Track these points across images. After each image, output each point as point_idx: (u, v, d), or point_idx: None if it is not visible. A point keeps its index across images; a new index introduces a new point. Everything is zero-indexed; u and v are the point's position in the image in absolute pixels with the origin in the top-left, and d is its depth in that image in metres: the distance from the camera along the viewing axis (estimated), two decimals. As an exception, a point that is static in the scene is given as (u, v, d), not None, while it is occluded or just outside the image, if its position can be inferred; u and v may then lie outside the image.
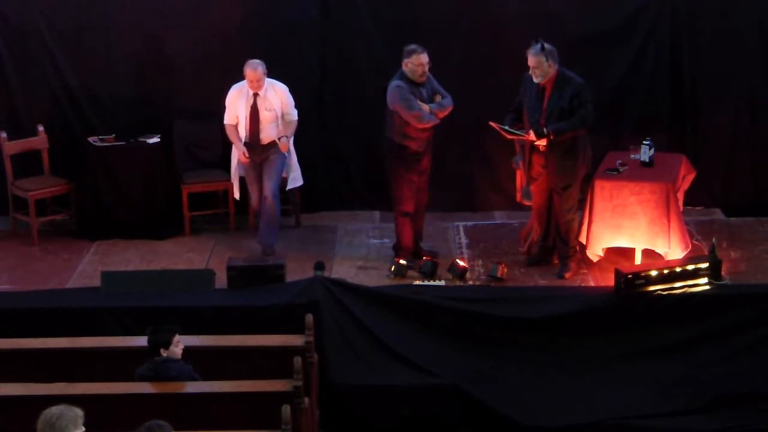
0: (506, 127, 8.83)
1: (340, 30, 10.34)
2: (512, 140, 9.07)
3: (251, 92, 9.25)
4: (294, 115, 9.39)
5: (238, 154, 9.32)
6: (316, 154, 10.53)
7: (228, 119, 9.40)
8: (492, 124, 8.87)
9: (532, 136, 8.73)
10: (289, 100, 9.36)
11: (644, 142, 9.24)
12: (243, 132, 9.31)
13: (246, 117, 9.27)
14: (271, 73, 10.34)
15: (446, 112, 9.02)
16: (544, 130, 8.66)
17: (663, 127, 10.33)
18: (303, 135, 10.45)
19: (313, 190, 10.44)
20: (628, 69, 10.31)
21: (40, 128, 10.21)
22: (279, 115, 9.31)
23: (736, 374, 8.46)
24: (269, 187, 9.21)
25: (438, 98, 9.01)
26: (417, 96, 8.91)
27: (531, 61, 8.64)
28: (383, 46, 10.17)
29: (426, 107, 8.88)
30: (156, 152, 10.16)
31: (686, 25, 10.22)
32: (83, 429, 5.75)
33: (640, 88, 10.34)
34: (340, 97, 10.44)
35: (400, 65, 8.94)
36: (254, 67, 9.20)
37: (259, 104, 9.24)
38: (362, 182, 10.64)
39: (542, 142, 8.74)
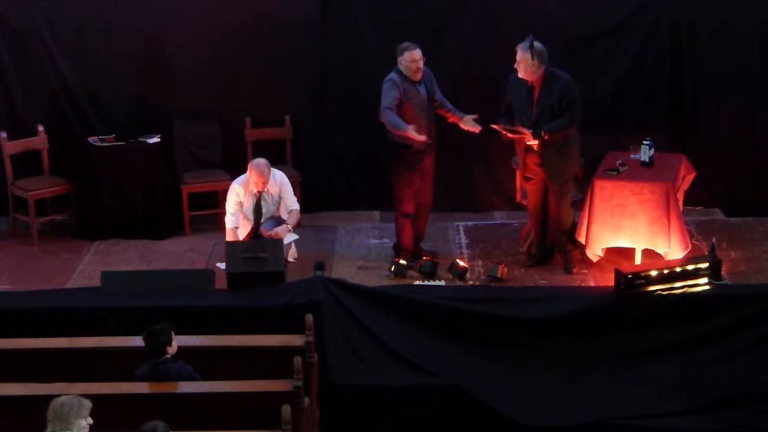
0: (509, 127, 8.84)
1: (340, 30, 10.34)
2: (512, 140, 9.07)
3: (256, 189, 8.98)
4: (294, 203, 9.10)
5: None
6: (316, 154, 10.54)
7: (232, 222, 8.97)
8: (494, 126, 8.89)
9: (528, 136, 8.75)
10: (287, 188, 9.08)
11: (644, 142, 9.23)
12: (243, 229, 9.04)
13: (252, 210, 9.03)
14: (272, 73, 10.36)
15: (402, 133, 8.82)
16: (541, 132, 8.69)
17: (663, 127, 10.33)
18: (303, 135, 10.49)
19: (313, 190, 10.44)
20: (628, 69, 10.31)
21: (40, 128, 10.21)
22: (279, 202, 9.08)
23: (736, 374, 8.46)
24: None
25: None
26: (413, 93, 8.91)
27: (517, 54, 8.72)
28: (383, 46, 10.15)
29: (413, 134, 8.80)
30: (156, 152, 10.16)
31: (686, 25, 10.21)
32: (89, 420, 5.83)
33: (640, 88, 10.35)
34: (340, 97, 10.44)
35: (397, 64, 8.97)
36: (261, 170, 8.83)
37: (262, 199, 9.04)
38: (362, 182, 10.64)
39: (535, 142, 8.77)
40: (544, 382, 8.50)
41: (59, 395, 5.98)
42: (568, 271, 9.08)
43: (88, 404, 5.86)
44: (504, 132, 8.87)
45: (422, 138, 8.83)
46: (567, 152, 8.88)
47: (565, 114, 8.71)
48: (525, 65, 8.70)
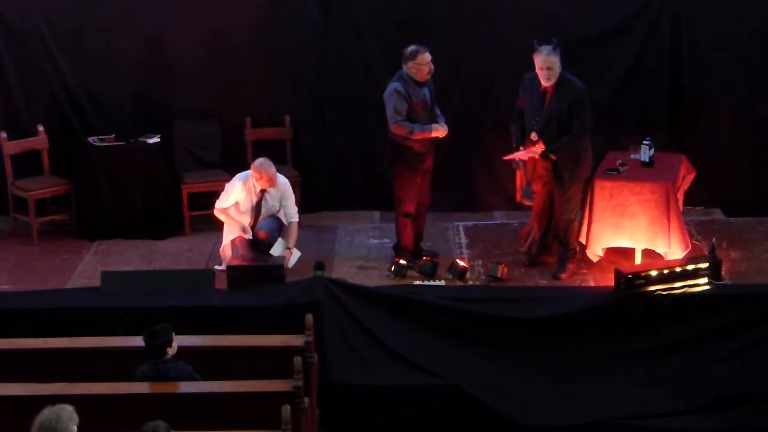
0: (520, 150, 8.88)
1: (340, 30, 10.34)
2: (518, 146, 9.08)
3: (259, 188, 8.94)
4: (294, 215, 9.05)
5: (239, 231, 8.95)
6: (316, 154, 10.54)
7: (223, 204, 8.98)
8: (505, 158, 8.96)
9: (539, 148, 8.73)
10: (289, 195, 9.03)
11: (644, 142, 9.24)
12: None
13: (251, 209, 9.00)
14: (271, 73, 10.36)
15: (427, 135, 8.97)
16: (549, 155, 8.68)
17: (663, 127, 10.33)
18: (303, 135, 10.49)
19: (313, 190, 10.44)
20: (629, 69, 10.30)
21: (40, 128, 10.21)
22: (279, 207, 9.05)
23: (736, 374, 8.46)
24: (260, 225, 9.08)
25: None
26: (419, 96, 8.89)
27: (545, 61, 8.55)
28: (383, 46, 10.17)
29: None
30: (156, 152, 10.16)
31: (686, 25, 10.21)
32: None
33: (640, 88, 10.34)
34: (340, 97, 10.44)
35: (400, 66, 8.93)
36: (267, 168, 8.78)
37: (264, 199, 9.00)
38: (362, 182, 10.64)
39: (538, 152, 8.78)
40: (543, 382, 8.50)
41: (59, 396, 5.96)
42: (555, 277, 9.03)
43: (72, 408, 5.66)
44: (517, 158, 8.93)
45: (444, 131, 8.95)
46: (573, 160, 8.82)
47: (573, 125, 8.66)
48: (554, 71, 8.54)
